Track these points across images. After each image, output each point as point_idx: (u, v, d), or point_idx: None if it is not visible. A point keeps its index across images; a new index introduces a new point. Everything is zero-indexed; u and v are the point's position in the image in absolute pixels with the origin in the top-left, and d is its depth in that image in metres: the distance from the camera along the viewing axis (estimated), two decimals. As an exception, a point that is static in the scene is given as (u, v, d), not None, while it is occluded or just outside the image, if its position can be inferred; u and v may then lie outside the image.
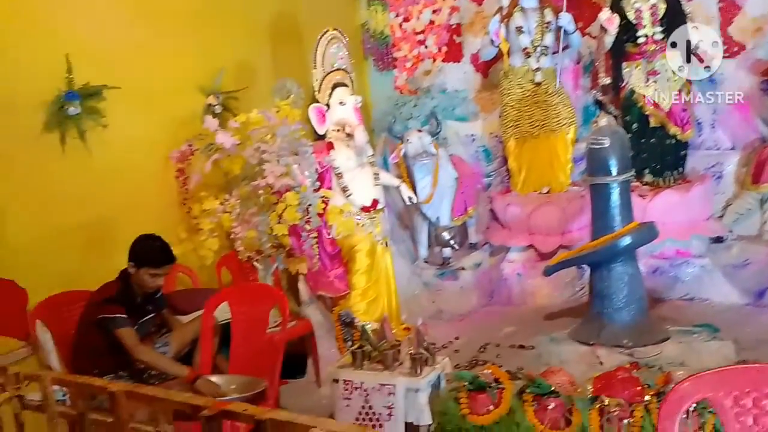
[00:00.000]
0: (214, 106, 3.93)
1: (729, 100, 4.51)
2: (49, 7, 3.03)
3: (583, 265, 4.21)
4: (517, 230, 4.75)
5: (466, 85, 5.63)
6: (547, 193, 4.84)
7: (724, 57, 4.78)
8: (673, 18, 4.31)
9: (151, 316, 2.82)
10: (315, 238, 3.66)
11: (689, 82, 4.44)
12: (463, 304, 4.56)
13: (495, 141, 5.35)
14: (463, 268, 4.78)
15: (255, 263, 3.76)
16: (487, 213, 5.23)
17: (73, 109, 2.96)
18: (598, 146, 3.43)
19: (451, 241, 4.55)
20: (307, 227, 3.60)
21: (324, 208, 3.68)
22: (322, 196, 3.64)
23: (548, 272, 3.68)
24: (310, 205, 3.53)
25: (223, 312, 2.98)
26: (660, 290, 4.19)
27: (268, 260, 3.70)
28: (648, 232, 3.38)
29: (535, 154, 4.87)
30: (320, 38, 3.85)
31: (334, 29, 3.93)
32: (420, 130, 4.63)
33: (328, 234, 3.78)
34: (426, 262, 4.94)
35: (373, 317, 3.76)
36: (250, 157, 3.54)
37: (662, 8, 4.31)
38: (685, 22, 4.33)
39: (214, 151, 3.56)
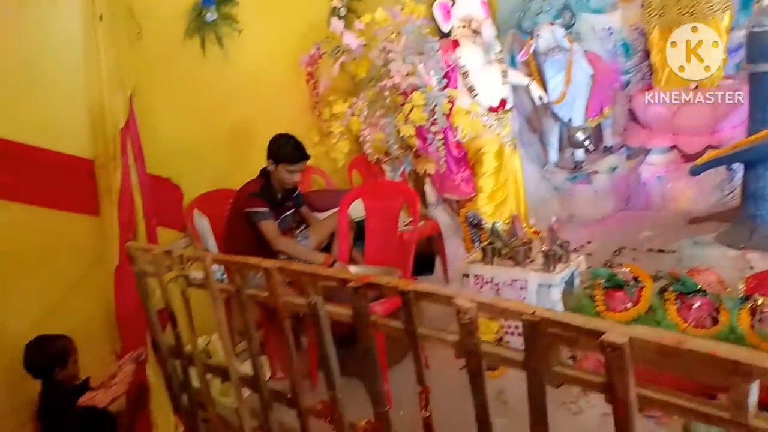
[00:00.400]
0: (340, 8, 3.91)
1: None
2: None
3: (735, 166, 3.86)
4: (659, 130, 4.40)
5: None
6: (695, 88, 4.39)
7: None
8: None
9: (291, 211, 3.00)
10: (441, 139, 3.63)
11: None
12: (596, 208, 4.39)
13: (636, 34, 4.86)
14: (596, 172, 4.55)
15: (383, 165, 3.84)
16: (624, 114, 4.87)
17: (210, 15, 3.07)
18: (761, 29, 3.02)
19: (585, 142, 4.31)
20: (433, 128, 3.57)
21: (450, 109, 3.62)
22: (448, 96, 3.56)
23: (696, 171, 3.38)
24: (436, 105, 3.49)
25: (356, 210, 3.11)
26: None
27: (396, 162, 3.75)
28: (821, 124, 2.98)
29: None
30: (444, -73, 3.64)
31: None
32: (552, 23, 4.33)
33: (454, 136, 3.73)
34: (557, 166, 4.76)
35: (501, 219, 3.72)
36: (375, 58, 3.54)
37: None
38: None
39: (341, 53, 3.59)
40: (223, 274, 2.00)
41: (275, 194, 2.89)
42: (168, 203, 2.92)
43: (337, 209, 3.04)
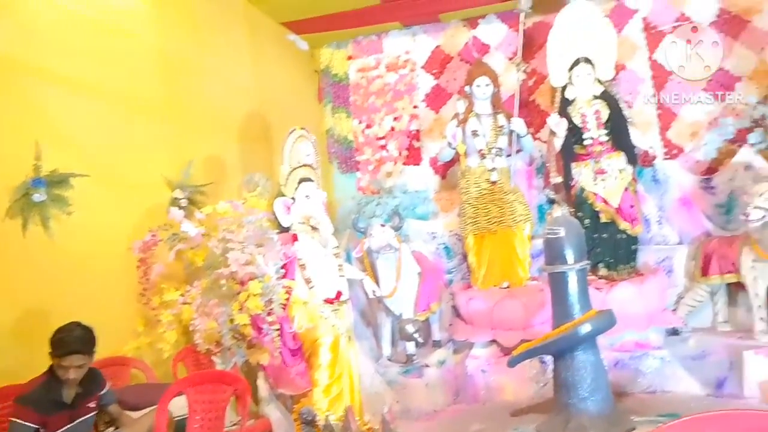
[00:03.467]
0: (181, 199, 3.97)
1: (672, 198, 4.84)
2: (22, 92, 3.10)
3: (546, 359, 4.23)
4: (480, 325, 4.77)
5: (426, 185, 5.90)
6: (507, 287, 4.93)
7: (665, 158, 5.22)
8: (616, 121, 4.68)
9: (90, 415, 2.64)
10: (277, 329, 3.59)
11: (635, 180, 4.75)
12: (429, 402, 4.45)
13: (455, 238, 5.51)
14: (427, 365, 4.71)
15: (214, 357, 3.64)
16: (449, 309, 5.27)
17: (38, 196, 2.95)
18: (554, 236, 3.57)
19: (416, 335, 4.52)
20: (269, 318, 3.54)
21: (287, 299, 3.65)
22: (286, 286, 3.62)
23: (512, 363, 3.67)
24: (273, 294, 3.51)
25: (179, 407, 2.85)
26: (623, 383, 4.18)
27: (228, 353, 3.59)
28: (607, 319, 3.45)
29: (494, 249, 5.01)
30: (289, 135, 4.01)
31: (302, 128, 4.11)
32: (383, 225, 4.74)
33: (290, 328, 3.72)
34: (390, 359, 4.87)
35: (336, 414, 3.62)
36: (214, 247, 3.55)
37: (605, 113, 4.68)
38: (627, 126, 4.71)
39: (178, 241, 3.56)
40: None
41: (59, 395, 2.50)
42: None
43: (155, 407, 2.76)
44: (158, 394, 2.80)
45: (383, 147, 6.14)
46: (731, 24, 5.34)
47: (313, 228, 3.88)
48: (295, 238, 3.87)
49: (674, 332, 4.61)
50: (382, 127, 6.17)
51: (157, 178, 3.85)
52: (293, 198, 3.92)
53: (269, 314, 3.53)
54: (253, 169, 4.58)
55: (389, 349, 4.92)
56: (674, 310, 4.73)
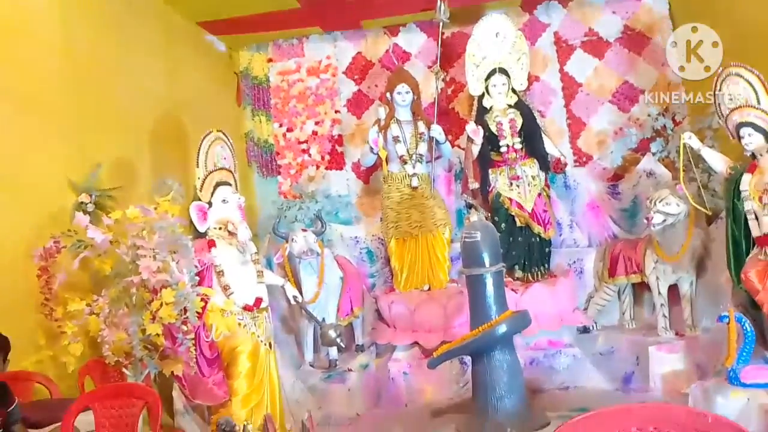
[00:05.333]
0: (87, 204, 3.76)
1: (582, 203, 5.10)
2: None
3: (466, 359, 4.32)
4: (402, 328, 4.81)
5: (349, 190, 5.90)
6: (428, 290, 5.01)
7: (575, 166, 5.47)
8: (530, 130, 4.86)
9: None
10: (192, 339, 3.46)
11: (547, 186, 4.95)
12: (351, 407, 4.44)
13: (377, 243, 5.54)
14: (350, 370, 4.70)
15: (124, 369, 3.46)
16: (372, 313, 5.29)
17: None
18: (471, 239, 3.66)
19: (338, 339, 4.47)
20: (184, 328, 3.41)
21: (203, 308, 3.53)
22: (202, 294, 3.50)
23: (432, 365, 3.72)
24: (188, 303, 3.38)
25: (85, 423, 2.70)
26: (538, 381, 4.35)
27: (139, 365, 3.43)
28: (522, 319, 3.57)
29: (415, 253, 5.08)
30: (204, 138, 3.88)
31: (218, 131, 4.00)
32: (305, 230, 4.69)
33: (207, 337, 3.60)
34: (312, 365, 4.82)
35: (255, 424, 3.53)
36: (123, 254, 3.37)
37: (520, 122, 4.85)
38: (540, 135, 4.90)
39: (84, 248, 3.36)
40: None
41: None
42: None
43: (59, 423, 2.59)
44: (63, 410, 2.65)
45: (305, 151, 6.08)
46: (635, 40, 5.69)
47: (231, 233, 3.77)
48: (211, 243, 3.75)
49: (585, 330, 4.83)
50: (303, 131, 6.12)
51: (61, 182, 3.63)
52: (209, 203, 3.80)
53: (184, 323, 3.40)
54: (166, 172, 4.38)
55: (311, 356, 4.87)
56: (585, 309, 4.96)
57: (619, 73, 5.69)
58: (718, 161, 3.71)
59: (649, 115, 5.45)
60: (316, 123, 6.10)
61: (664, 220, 4.19)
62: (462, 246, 3.81)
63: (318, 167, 6.01)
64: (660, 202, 4.20)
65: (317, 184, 5.86)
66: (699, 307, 4.38)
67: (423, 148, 5.10)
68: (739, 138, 3.45)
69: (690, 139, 3.79)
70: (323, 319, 4.70)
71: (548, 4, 5.80)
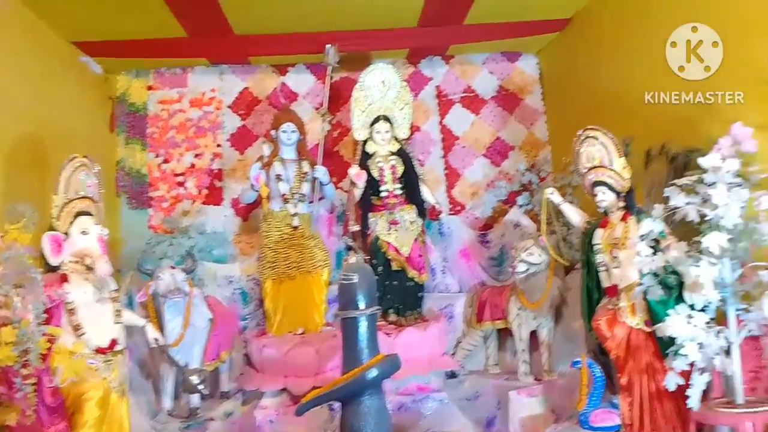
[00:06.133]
0: None
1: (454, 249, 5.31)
2: None
3: (336, 405, 4.24)
4: (272, 373, 4.64)
5: (226, 227, 5.71)
6: (302, 334, 4.91)
7: (449, 214, 5.71)
8: (410, 177, 5.00)
9: None
10: (33, 384, 3.11)
11: (423, 232, 5.10)
12: (211, 457, 4.18)
13: (252, 283, 5.38)
14: (212, 419, 4.45)
15: (-54, 419, 3.03)
16: (241, 358, 5.08)
17: None
18: (347, 281, 3.65)
19: (200, 386, 4.24)
20: (24, 371, 3.06)
21: (48, 349, 3.20)
22: (48, 334, 3.17)
23: (300, 411, 3.60)
24: (31, 343, 3.04)
25: None
26: (405, 426, 4.34)
27: (-35, 414, 3.02)
28: (392, 363, 3.57)
29: (291, 295, 4.97)
30: (66, 163, 3.61)
31: (84, 156, 3.73)
32: (173, 267, 4.44)
33: (51, 381, 3.25)
34: (170, 415, 4.50)
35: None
36: (-44, 286, 3.00)
37: (400, 169, 4.99)
38: (419, 182, 5.06)
39: None
40: None
41: None
42: None
43: None
44: None
45: (181, 184, 5.83)
46: (508, 100, 6.14)
47: (88, 268, 3.48)
48: (64, 278, 3.44)
49: (452, 375, 4.95)
50: (181, 162, 5.88)
51: None
52: (66, 233, 3.50)
53: (24, 366, 3.05)
54: (22, 198, 3.98)
55: (170, 403, 4.56)
56: (453, 354, 5.09)
57: (493, 129, 6.08)
58: (576, 216, 4.01)
59: (517, 170, 5.87)
60: (196, 155, 5.89)
61: (527, 269, 4.45)
62: (339, 288, 3.78)
63: (194, 201, 5.77)
64: (524, 252, 4.47)
65: (192, 219, 5.62)
66: (556, 352, 4.65)
67: (306, 188, 5.07)
68: (594, 195, 3.75)
69: (552, 194, 4.08)
70: (186, 364, 4.44)
71: (432, 59, 6.12)
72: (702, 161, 2.99)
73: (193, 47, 5.52)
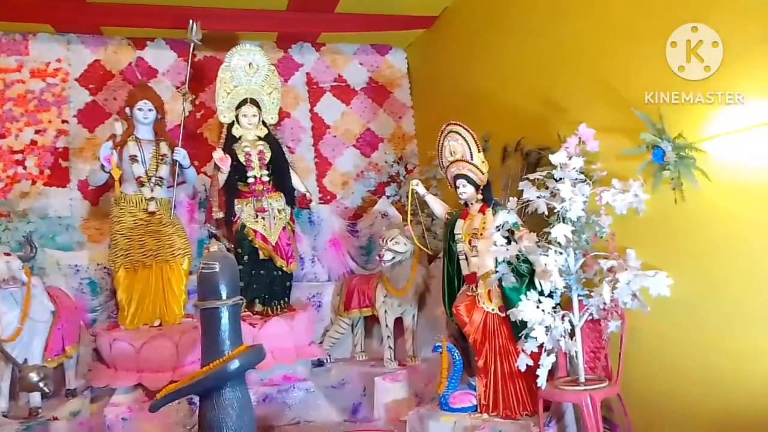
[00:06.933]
0: None
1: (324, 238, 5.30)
2: None
3: (196, 400, 4.05)
4: (125, 369, 4.33)
5: (72, 212, 5.20)
6: (159, 326, 4.63)
7: (320, 203, 5.68)
8: (278, 164, 4.89)
9: None
10: None
11: (292, 220, 5.01)
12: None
13: (103, 272, 4.97)
14: (55, 419, 4.05)
15: None
16: (90, 353, 4.69)
17: None
18: (209, 270, 3.47)
19: (41, 383, 3.84)
20: None
21: None
22: None
23: (154, 408, 3.38)
24: None
25: None
26: (270, 418, 4.28)
27: None
28: (256, 354, 3.47)
29: (147, 285, 4.65)
30: None
31: None
32: (8, 254, 3.97)
33: None
34: (5, 416, 4.03)
35: None
36: None
37: (268, 155, 4.85)
38: (288, 169, 4.96)
39: None
40: None
41: None
42: None
43: None
44: None
45: (20, 162, 5.20)
46: (377, 92, 6.21)
47: None
48: None
49: (320, 363, 4.94)
50: (19, 139, 5.24)
51: None
52: None
53: None
54: None
55: (6, 404, 4.08)
56: (321, 342, 5.07)
57: (363, 120, 6.13)
58: (439, 207, 4.15)
59: (386, 162, 5.97)
60: (37, 132, 5.29)
61: (394, 258, 4.56)
62: (199, 278, 3.59)
63: (35, 182, 5.18)
64: (391, 241, 4.56)
65: (32, 202, 5.04)
66: (420, 338, 4.82)
67: (164, 171, 4.76)
68: (456, 188, 3.90)
69: (417, 185, 4.20)
70: (25, 360, 4.01)
71: (302, 45, 6.02)
72: (552, 158, 3.21)
73: (35, 11, 4.96)
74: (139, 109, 4.74)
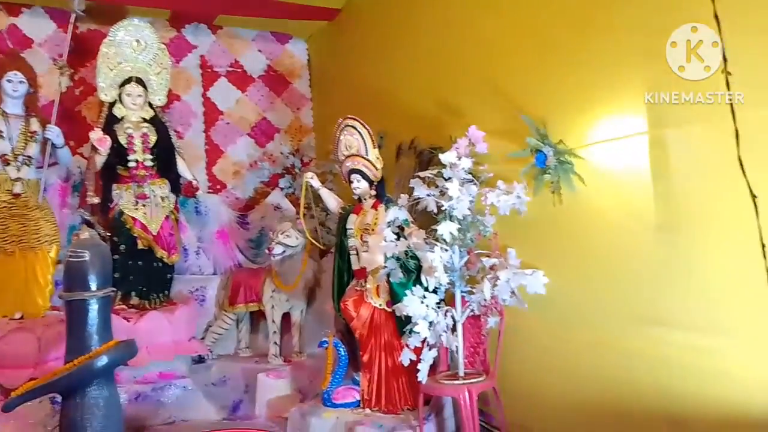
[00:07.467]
0: None
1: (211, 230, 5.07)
2: None
3: (58, 398, 3.74)
4: (-22, 365, 3.91)
5: None
6: (21, 318, 4.22)
7: (208, 192, 5.44)
8: (164, 149, 4.62)
9: None
10: None
11: (177, 209, 4.75)
12: None
13: (-46, 260, 4.45)
14: None
15: None
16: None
17: None
18: (77, 259, 3.21)
19: None
20: None
21: None
22: None
23: (8, 407, 3.06)
24: None
25: None
26: (142, 417, 4.01)
27: None
28: (127, 349, 3.24)
29: (8, 273, 4.23)
30: None
31: None
32: None
33: None
34: None
35: None
36: None
37: (153, 138, 4.58)
38: (174, 155, 4.70)
39: None
40: None
41: None
42: None
43: None
44: None
45: None
46: (276, 81, 6.06)
47: None
48: None
49: (200, 360, 4.73)
50: None
51: None
52: None
53: None
54: None
55: None
56: (203, 338, 4.86)
57: (259, 108, 5.95)
58: (333, 201, 4.10)
59: (281, 153, 5.83)
60: None
61: (284, 251, 4.44)
62: (66, 267, 3.31)
63: None
64: (282, 234, 4.45)
65: None
66: (307, 333, 4.73)
67: (34, 149, 4.35)
68: (350, 182, 3.86)
69: (312, 179, 4.11)
70: None
71: (197, 26, 5.76)
72: (441, 157, 3.25)
73: None
74: (8, 81, 4.32)
